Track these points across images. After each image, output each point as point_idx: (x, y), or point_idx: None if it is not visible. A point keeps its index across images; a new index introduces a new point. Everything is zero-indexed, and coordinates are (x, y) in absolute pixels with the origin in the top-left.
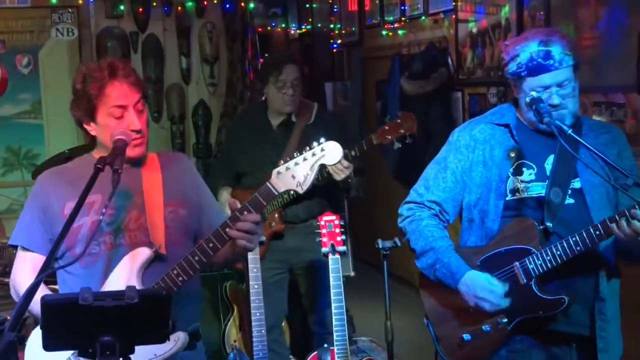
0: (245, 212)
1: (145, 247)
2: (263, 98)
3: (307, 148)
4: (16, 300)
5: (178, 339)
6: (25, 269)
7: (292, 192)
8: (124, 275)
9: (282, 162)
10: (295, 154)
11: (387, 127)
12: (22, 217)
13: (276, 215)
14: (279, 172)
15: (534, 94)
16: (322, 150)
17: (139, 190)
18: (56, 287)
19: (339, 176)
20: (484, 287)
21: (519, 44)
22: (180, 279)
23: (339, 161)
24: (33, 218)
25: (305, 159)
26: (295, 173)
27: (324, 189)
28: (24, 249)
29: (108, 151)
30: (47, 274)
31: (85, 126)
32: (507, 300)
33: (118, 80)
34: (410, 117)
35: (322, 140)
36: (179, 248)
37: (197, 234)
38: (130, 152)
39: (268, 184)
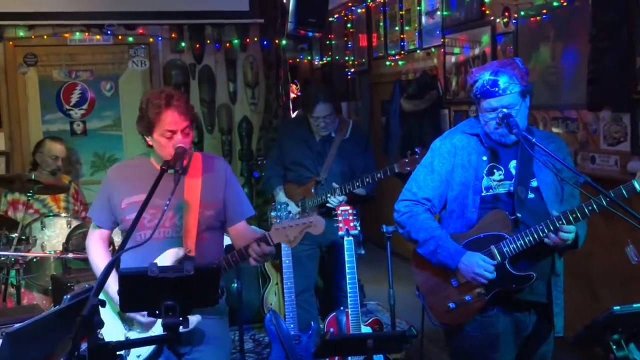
0: (263, 243)
1: (178, 247)
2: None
3: (301, 216)
4: (92, 264)
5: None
6: (94, 237)
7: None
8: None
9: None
10: (292, 215)
11: (407, 160)
12: (96, 199)
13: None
14: (276, 229)
15: (505, 110)
16: (311, 222)
17: (179, 194)
18: None
19: (333, 205)
20: (479, 264)
21: (479, 72)
22: None
23: (322, 231)
24: (103, 202)
25: (297, 224)
26: (288, 233)
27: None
28: (95, 224)
29: (160, 158)
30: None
31: (145, 137)
32: (494, 273)
33: (171, 109)
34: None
35: (312, 215)
36: (204, 243)
37: (223, 223)
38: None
39: (267, 234)
